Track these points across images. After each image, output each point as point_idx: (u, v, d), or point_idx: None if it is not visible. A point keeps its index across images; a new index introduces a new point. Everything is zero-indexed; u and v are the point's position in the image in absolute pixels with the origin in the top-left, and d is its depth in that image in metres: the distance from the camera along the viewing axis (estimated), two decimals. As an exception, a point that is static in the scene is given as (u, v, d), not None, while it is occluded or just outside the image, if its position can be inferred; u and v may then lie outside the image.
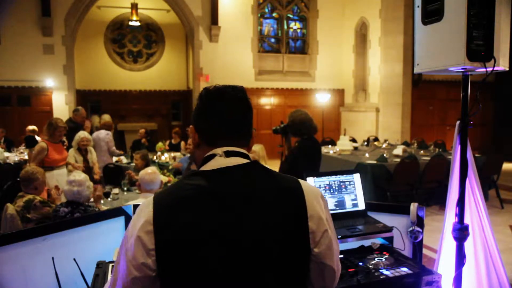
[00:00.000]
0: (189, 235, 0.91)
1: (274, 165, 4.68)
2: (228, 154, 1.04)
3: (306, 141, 3.58)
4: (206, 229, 0.92)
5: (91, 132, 6.60)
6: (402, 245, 1.89)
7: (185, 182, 1.00)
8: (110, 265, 1.51)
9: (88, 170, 5.29)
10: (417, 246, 1.92)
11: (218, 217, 0.94)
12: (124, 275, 0.94)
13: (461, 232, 2.05)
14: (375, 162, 6.09)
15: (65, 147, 4.91)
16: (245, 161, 1.04)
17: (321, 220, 1.01)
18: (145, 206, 0.97)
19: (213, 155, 1.04)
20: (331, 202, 1.99)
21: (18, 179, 4.82)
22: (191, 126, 1.12)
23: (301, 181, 1.07)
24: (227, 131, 1.07)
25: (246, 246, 0.93)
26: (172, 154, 7.06)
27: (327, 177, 2.02)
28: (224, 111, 1.07)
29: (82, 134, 5.40)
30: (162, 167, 5.95)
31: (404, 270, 1.62)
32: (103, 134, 6.55)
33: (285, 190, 1.02)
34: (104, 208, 3.62)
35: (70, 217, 2.90)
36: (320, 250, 1.00)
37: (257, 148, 4.67)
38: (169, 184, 4.53)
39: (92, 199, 3.46)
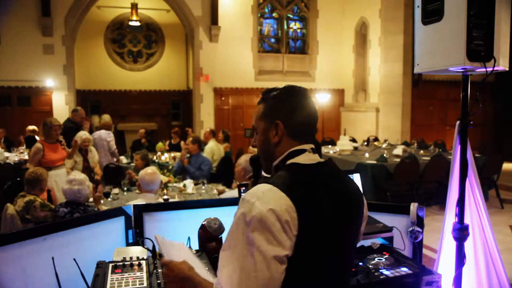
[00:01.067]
0: (319, 218, 1.06)
1: (274, 165, 4.70)
2: (313, 150, 1.19)
3: None
4: (328, 213, 1.09)
5: (90, 132, 6.59)
6: (402, 245, 1.89)
7: (295, 172, 1.10)
8: (110, 265, 1.51)
9: (88, 169, 5.29)
10: (417, 246, 1.92)
11: (330, 204, 1.10)
12: (276, 254, 0.98)
13: (461, 232, 2.05)
14: (375, 162, 6.10)
15: (63, 146, 4.87)
16: (320, 159, 1.20)
17: (367, 208, 1.29)
18: (272, 191, 1.03)
19: (303, 150, 1.16)
20: (331, 202, 1.99)
21: (18, 179, 4.84)
22: (278, 121, 1.17)
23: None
24: (312, 130, 1.22)
25: (345, 233, 1.15)
26: (172, 154, 7.06)
27: (327, 177, 2.02)
28: (313, 109, 1.22)
29: (83, 134, 5.37)
30: (162, 167, 5.95)
31: (404, 270, 1.62)
32: (104, 134, 6.53)
33: (352, 183, 1.24)
34: (104, 208, 3.63)
35: (69, 217, 2.90)
36: (362, 229, 1.29)
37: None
38: (169, 184, 4.54)
39: (91, 199, 3.47)
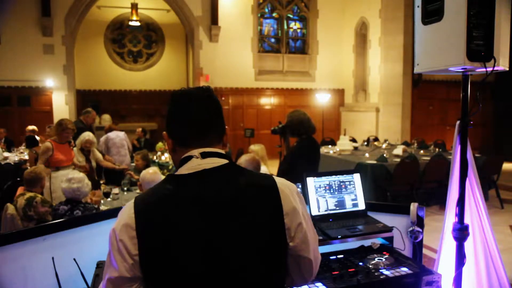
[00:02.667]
0: (169, 239, 0.94)
1: (273, 165, 4.68)
2: (204, 155, 1.05)
3: (305, 141, 3.58)
4: (185, 232, 0.95)
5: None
6: (402, 245, 1.89)
7: (164, 187, 1.02)
8: (110, 265, 1.51)
9: (90, 170, 5.28)
10: (417, 246, 1.92)
11: (196, 221, 0.96)
12: (115, 274, 0.96)
13: (461, 232, 2.05)
14: (375, 162, 6.09)
15: (72, 147, 4.92)
16: (221, 161, 1.05)
17: (296, 215, 1.04)
18: (126, 209, 1.00)
19: (190, 157, 1.05)
20: (331, 202, 1.99)
21: (18, 179, 4.83)
22: (164, 132, 1.14)
23: (276, 178, 1.09)
24: (199, 132, 1.08)
25: (225, 247, 0.96)
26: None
27: (327, 177, 2.02)
28: (193, 112, 1.08)
29: (87, 136, 5.33)
30: (162, 167, 5.95)
31: (404, 270, 1.62)
32: (122, 134, 6.69)
33: (261, 189, 1.04)
34: (104, 208, 3.63)
35: (69, 215, 2.91)
36: (295, 243, 1.04)
37: (257, 148, 4.67)
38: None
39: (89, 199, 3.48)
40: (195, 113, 1.08)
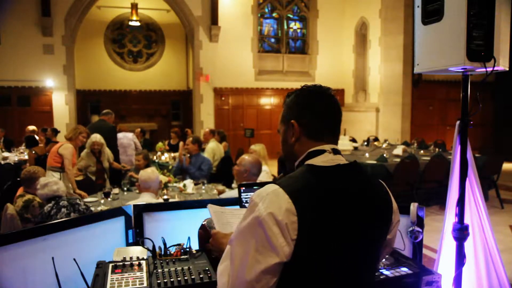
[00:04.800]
0: (324, 224, 1.00)
1: (273, 165, 4.68)
2: (334, 151, 1.14)
3: None
4: (334, 219, 1.02)
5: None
6: (402, 245, 1.89)
7: (307, 176, 1.06)
8: (110, 265, 1.51)
9: (101, 171, 5.26)
10: (417, 246, 1.92)
11: (341, 209, 1.04)
12: (271, 261, 0.96)
13: (461, 232, 2.05)
14: (375, 162, 6.09)
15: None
16: (345, 160, 1.15)
17: (397, 212, 1.21)
18: (275, 193, 1.00)
19: (323, 151, 1.12)
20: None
21: (18, 179, 4.83)
22: (292, 120, 1.16)
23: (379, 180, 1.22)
24: (333, 129, 1.18)
25: (359, 234, 1.07)
26: (172, 154, 7.06)
27: (327, 177, 2.02)
28: (333, 109, 1.18)
29: (94, 138, 5.25)
30: (162, 167, 5.96)
31: (404, 270, 1.62)
32: (130, 135, 6.80)
33: (379, 187, 1.17)
34: (104, 208, 3.63)
35: (56, 208, 2.89)
36: (391, 236, 1.21)
37: (258, 148, 4.67)
38: (169, 184, 4.54)
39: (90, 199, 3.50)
40: (335, 110, 1.18)
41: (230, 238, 1.07)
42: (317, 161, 1.10)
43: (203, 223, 1.67)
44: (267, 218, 0.96)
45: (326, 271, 1.02)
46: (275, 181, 1.09)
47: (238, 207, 1.75)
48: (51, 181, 3.09)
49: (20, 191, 3.92)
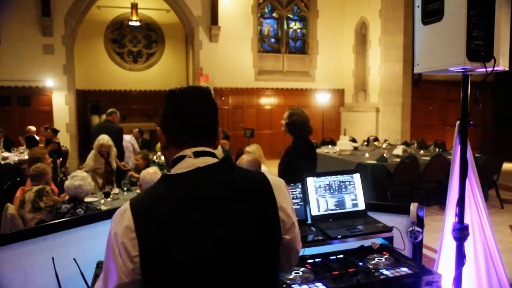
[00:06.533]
0: (166, 239, 0.94)
1: (273, 165, 4.68)
2: (197, 154, 1.06)
3: (304, 141, 3.57)
4: (183, 231, 0.95)
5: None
6: (402, 245, 1.89)
7: (158, 187, 1.02)
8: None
9: (110, 173, 5.23)
10: (417, 246, 1.92)
11: (192, 219, 0.97)
12: (115, 281, 0.95)
13: (461, 232, 2.05)
14: (375, 162, 6.09)
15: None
16: (214, 160, 1.07)
17: (289, 209, 1.09)
18: (122, 212, 0.99)
19: (183, 156, 1.06)
20: (331, 202, 1.99)
21: (18, 179, 4.83)
22: (158, 128, 1.14)
23: (267, 174, 1.12)
24: (194, 133, 1.09)
25: (222, 242, 0.97)
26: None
27: (327, 177, 2.02)
28: (191, 113, 1.09)
29: (101, 140, 5.21)
30: (162, 167, 5.95)
31: (404, 270, 1.62)
32: (128, 137, 6.83)
33: (255, 185, 1.07)
34: (104, 208, 3.63)
35: (72, 213, 2.93)
36: (291, 237, 1.10)
37: (253, 149, 4.67)
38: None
39: (94, 199, 3.53)
40: (193, 115, 1.09)
41: None
42: (176, 168, 1.05)
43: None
44: (112, 238, 0.97)
45: (183, 284, 0.96)
46: None
47: None
48: (79, 176, 3.10)
49: (20, 191, 3.93)
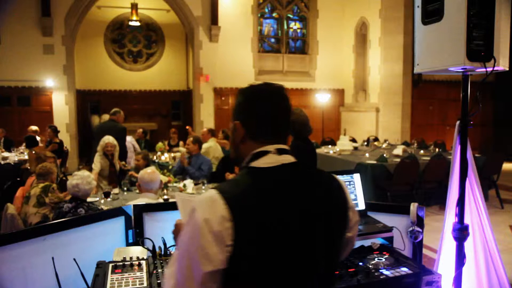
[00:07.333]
0: (261, 229, 0.97)
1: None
2: (280, 151, 1.11)
3: (303, 141, 3.57)
4: (274, 222, 0.99)
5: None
6: (402, 245, 1.89)
7: (247, 178, 1.05)
8: (110, 265, 1.51)
9: (115, 174, 5.21)
10: (417, 246, 1.92)
11: (282, 211, 1.01)
12: (196, 272, 0.95)
13: (461, 232, 2.05)
14: (375, 162, 6.09)
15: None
16: (293, 159, 1.12)
17: (354, 209, 1.17)
18: (211, 200, 0.98)
19: (266, 152, 1.10)
20: (331, 202, 1.99)
21: (18, 179, 4.83)
22: (236, 121, 1.15)
23: (334, 175, 1.19)
24: (276, 130, 1.13)
25: (305, 235, 1.03)
26: (172, 154, 7.06)
27: (327, 177, 2.02)
28: (277, 110, 1.14)
29: (106, 140, 5.16)
30: (162, 167, 5.95)
31: (404, 270, 1.62)
32: (129, 138, 6.78)
33: (331, 185, 1.14)
34: (104, 208, 3.63)
35: (73, 213, 2.93)
36: (352, 234, 1.19)
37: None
38: (169, 184, 4.54)
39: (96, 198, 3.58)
40: (278, 111, 1.14)
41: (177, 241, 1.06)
42: (260, 162, 1.08)
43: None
44: (202, 225, 0.95)
45: (269, 274, 0.99)
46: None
47: None
48: (78, 175, 3.11)
49: (20, 191, 3.93)
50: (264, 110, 1.12)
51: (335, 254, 1.14)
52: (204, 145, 6.33)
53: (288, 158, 1.10)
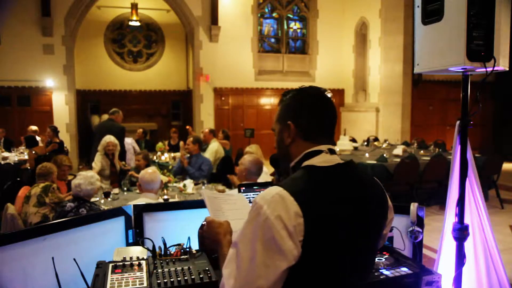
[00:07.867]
0: (330, 224, 1.02)
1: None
2: (331, 151, 1.16)
3: None
4: (341, 217, 1.05)
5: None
6: (402, 245, 1.89)
7: (308, 175, 1.08)
8: (110, 265, 1.51)
9: (115, 174, 5.21)
10: (417, 246, 1.92)
11: (347, 207, 1.07)
12: (270, 269, 0.96)
13: (461, 232, 2.05)
14: (375, 162, 6.09)
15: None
16: (341, 160, 1.16)
17: (392, 210, 1.26)
18: (279, 197, 1.00)
19: (319, 151, 1.14)
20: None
21: (18, 179, 4.83)
22: (288, 122, 1.18)
23: (375, 178, 1.25)
24: (327, 130, 1.20)
25: (361, 231, 1.10)
26: (172, 154, 7.05)
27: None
28: (330, 111, 1.20)
29: (108, 139, 5.17)
30: (162, 167, 5.95)
31: (404, 270, 1.62)
32: (129, 140, 6.87)
33: (377, 185, 1.21)
34: (104, 208, 3.63)
35: (75, 212, 2.93)
36: (386, 231, 1.27)
37: (254, 149, 4.70)
38: (169, 184, 4.54)
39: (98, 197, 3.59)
40: (331, 112, 1.20)
41: (234, 241, 1.06)
42: (316, 161, 1.12)
43: (203, 223, 1.68)
44: (275, 222, 0.96)
45: (332, 269, 1.04)
46: (277, 182, 1.09)
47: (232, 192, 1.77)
48: (82, 175, 3.11)
49: (21, 190, 3.93)
50: (319, 111, 1.18)
51: (376, 250, 1.22)
52: (211, 147, 6.30)
53: (338, 159, 1.15)
